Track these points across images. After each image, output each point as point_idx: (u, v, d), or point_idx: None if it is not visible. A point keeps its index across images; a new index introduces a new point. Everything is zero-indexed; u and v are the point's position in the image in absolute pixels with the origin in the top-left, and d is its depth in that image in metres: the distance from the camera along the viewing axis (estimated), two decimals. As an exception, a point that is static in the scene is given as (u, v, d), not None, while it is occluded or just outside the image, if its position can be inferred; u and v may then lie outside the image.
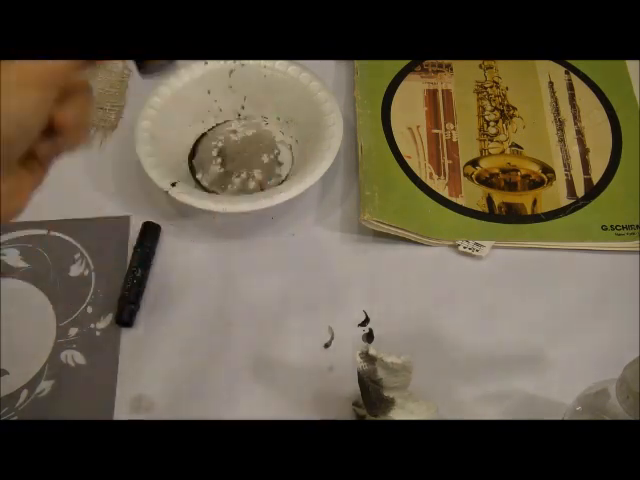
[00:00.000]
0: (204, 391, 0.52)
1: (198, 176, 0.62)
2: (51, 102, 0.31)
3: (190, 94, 0.62)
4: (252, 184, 0.61)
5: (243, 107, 0.65)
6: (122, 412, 0.51)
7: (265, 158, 0.63)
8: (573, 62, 0.70)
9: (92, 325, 0.54)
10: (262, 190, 0.61)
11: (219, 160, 0.63)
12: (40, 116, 0.31)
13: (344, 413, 0.51)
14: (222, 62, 0.63)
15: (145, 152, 0.57)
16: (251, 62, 0.63)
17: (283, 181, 0.61)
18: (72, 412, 0.51)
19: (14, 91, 0.29)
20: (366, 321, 0.55)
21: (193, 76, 0.62)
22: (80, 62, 0.32)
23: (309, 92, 0.61)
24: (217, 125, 0.65)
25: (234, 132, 0.65)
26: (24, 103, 0.30)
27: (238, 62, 0.63)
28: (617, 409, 0.38)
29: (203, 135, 0.64)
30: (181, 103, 0.62)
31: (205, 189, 0.61)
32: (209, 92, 0.63)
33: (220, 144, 0.64)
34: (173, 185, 0.55)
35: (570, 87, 0.68)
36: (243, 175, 0.62)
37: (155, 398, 0.52)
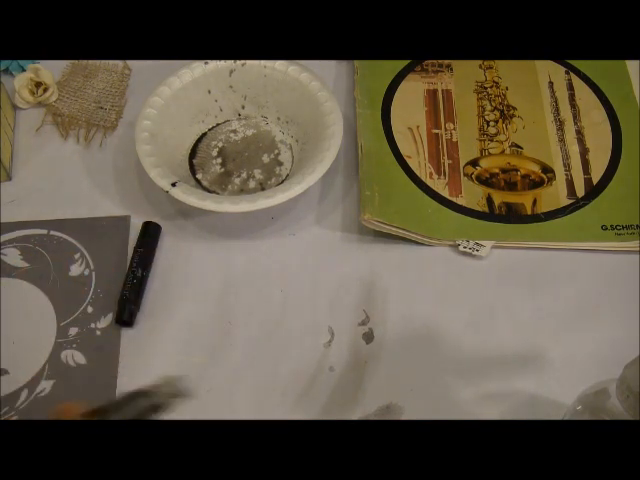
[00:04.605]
0: (204, 391, 0.52)
1: (198, 176, 0.62)
2: None
3: (190, 94, 0.62)
4: (252, 184, 0.61)
5: (243, 107, 0.65)
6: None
7: (265, 158, 0.63)
8: (573, 62, 0.70)
9: (92, 325, 0.54)
10: (262, 190, 0.61)
11: (219, 160, 0.63)
12: None
13: (345, 413, 0.51)
14: (222, 62, 0.63)
15: (145, 152, 0.57)
16: (251, 62, 0.63)
17: (283, 181, 0.61)
18: (72, 412, 0.51)
19: None
20: (366, 320, 0.55)
21: (193, 76, 0.62)
22: None
23: (309, 92, 0.61)
24: (217, 125, 0.65)
25: (234, 132, 0.65)
26: None
27: (238, 62, 0.63)
28: (617, 409, 0.38)
29: (203, 135, 0.64)
30: (181, 103, 0.62)
31: (205, 189, 0.61)
32: (209, 92, 0.64)
33: (220, 144, 0.64)
34: (173, 185, 0.55)
35: (570, 87, 0.68)
36: (243, 175, 0.62)
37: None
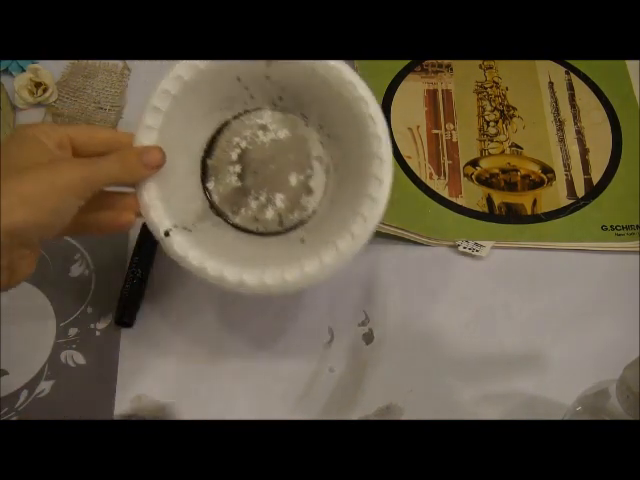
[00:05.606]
0: (204, 391, 0.52)
1: (209, 185, 0.49)
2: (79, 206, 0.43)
3: (212, 82, 0.49)
4: (270, 214, 0.49)
5: (281, 98, 0.50)
6: (122, 412, 0.51)
7: (293, 179, 0.49)
8: (573, 62, 0.70)
9: (92, 325, 0.54)
10: (280, 223, 0.49)
11: (237, 168, 0.50)
12: (71, 214, 0.43)
13: (344, 414, 0.51)
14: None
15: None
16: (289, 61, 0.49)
17: (307, 220, 0.49)
18: (72, 412, 0.51)
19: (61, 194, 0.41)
20: (366, 321, 0.55)
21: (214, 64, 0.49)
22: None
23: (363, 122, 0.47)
24: (245, 112, 0.50)
25: (263, 128, 0.50)
26: (65, 204, 0.42)
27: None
28: (617, 409, 0.38)
29: (224, 126, 0.50)
30: (198, 92, 0.49)
31: (212, 205, 0.49)
32: (239, 79, 0.49)
33: (243, 144, 0.50)
34: (167, 235, 0.47)
35: (570, 87, 0.68)
36: (262, 198, 0.49)
37: (155, 398, 0.52)
